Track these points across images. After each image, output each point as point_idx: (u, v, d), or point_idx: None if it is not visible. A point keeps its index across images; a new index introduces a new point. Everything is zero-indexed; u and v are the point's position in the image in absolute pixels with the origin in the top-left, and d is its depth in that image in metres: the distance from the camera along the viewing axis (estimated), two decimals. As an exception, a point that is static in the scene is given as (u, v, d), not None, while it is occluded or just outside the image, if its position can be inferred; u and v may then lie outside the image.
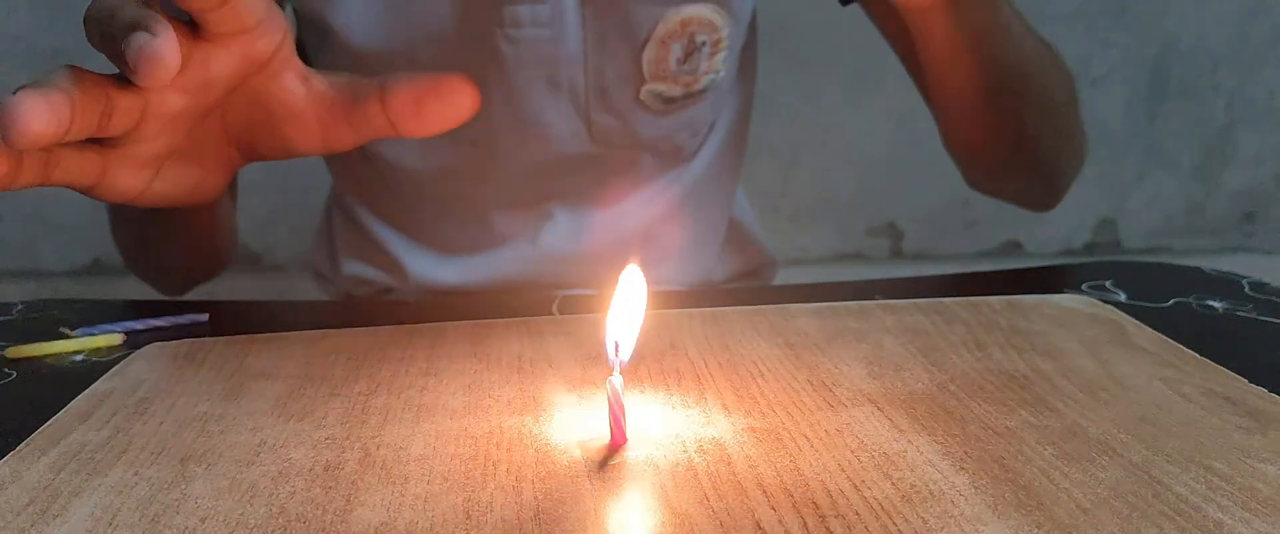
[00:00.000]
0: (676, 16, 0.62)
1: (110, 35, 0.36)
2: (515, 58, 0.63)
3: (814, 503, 0.30)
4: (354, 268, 0.76)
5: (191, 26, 0.39)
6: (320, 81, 0.43)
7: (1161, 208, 1.69)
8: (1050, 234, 1.67)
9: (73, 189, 0.40)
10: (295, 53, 0.42)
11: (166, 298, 0.66)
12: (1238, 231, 1.71)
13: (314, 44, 0.68)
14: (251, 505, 0.31)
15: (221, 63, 0.40)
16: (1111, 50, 1.60)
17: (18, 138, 0.33)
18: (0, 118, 0.33)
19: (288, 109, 0.43)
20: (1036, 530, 0.28)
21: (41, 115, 0.33)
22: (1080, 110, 0.66)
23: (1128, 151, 1.65)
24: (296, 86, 0.43)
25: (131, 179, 0.41)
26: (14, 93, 0.34)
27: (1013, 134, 0.61)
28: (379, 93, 0.42)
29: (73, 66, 0.37)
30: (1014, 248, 1.67)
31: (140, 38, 0.34)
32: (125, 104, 0.37)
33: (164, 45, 0.34)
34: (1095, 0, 1.57)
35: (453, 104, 0.41)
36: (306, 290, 0.88)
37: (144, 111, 0.39)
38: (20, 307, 0.57)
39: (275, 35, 0.41)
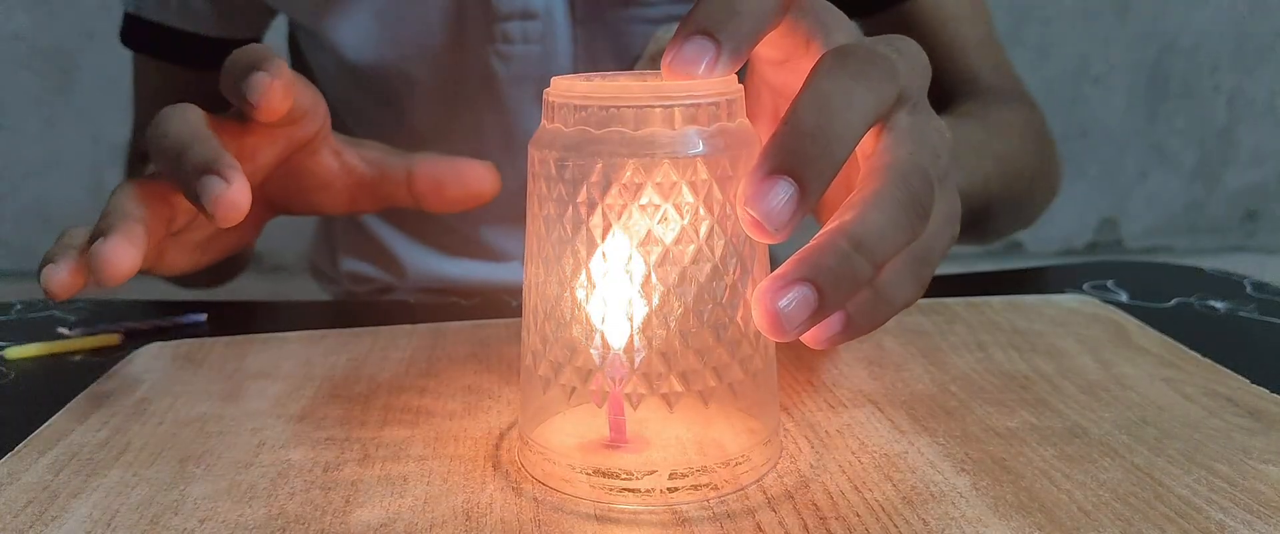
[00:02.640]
0: (667, 35, 0.62)
1: (183, 177, 0.37)
2: (506, 74, 0.63)
3: (814, 504, 0.30)
4: (353, 265, 0.76)
5: (239, 117, 0.41)
6: (352, 155, 0.46)
7: (1163, 207, 1.69)
8: (1051, 234, 1.66)
9: None
10: (331, 132, 0.45)
11: (166, 298, 0.66)
12: (1239, 231, 1.71)
13: (311, 50, 0.68)
14: (250, 506, 0.31)
15: (269, 152, 0.43)
16: (1112, 49, 1.60)
17: (109, 281, 0.36)
18: (94, 269, 0.36)
19: (320, 181, 0.46)
20: (1037, 532, 0.28)
21: (129, 257, 0.36)
22: (1056, 151, 0.66)
23: (1129, 151, 1.65)
24: (331, 162, 0.46)
25: (184, 259, 0.45)
26: (99, 241, 0.36)
27: (980, 240, 0.64)
28: (406, 172, 0.45)
29: (136, 184, 0.39)
30: (1015, 248, 1.67)
31: (216, 186, 0.36)
32: (186, 205, 0.40)
33: (239, 193, 0.36)
34: (1095, 0, 1.57)
35: (473, 189, 0.45)
36: (306, 290, 0.88)
37: None
38: (19, 306, 0.57)
39: (317, 120, 0.43)
